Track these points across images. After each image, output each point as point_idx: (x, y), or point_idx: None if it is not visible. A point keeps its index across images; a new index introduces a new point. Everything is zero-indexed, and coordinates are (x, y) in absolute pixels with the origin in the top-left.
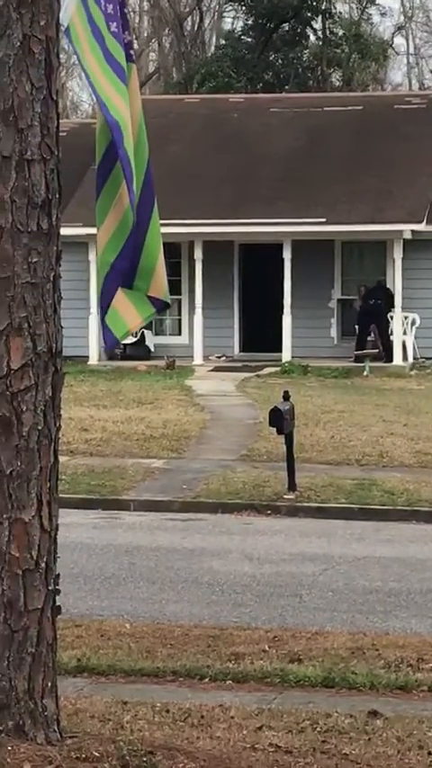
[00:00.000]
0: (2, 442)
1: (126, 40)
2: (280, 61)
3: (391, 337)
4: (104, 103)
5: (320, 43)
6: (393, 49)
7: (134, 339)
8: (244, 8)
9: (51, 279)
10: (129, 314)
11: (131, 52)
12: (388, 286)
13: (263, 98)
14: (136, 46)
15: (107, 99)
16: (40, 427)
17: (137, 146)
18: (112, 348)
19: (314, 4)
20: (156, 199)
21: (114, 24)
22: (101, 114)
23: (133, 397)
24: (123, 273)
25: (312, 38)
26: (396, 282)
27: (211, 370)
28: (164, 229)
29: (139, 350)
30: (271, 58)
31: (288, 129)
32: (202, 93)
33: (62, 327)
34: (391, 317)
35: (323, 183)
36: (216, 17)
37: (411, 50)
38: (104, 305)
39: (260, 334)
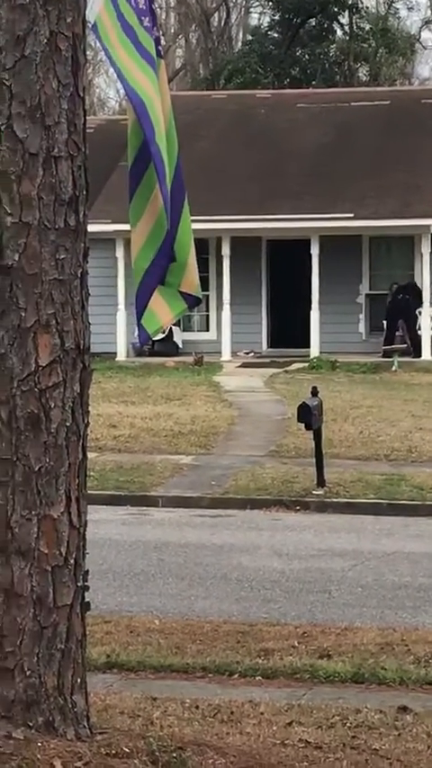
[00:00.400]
0: (30, 438)
1: (154, 36)
2: (307, 57)
3: (419, 332)
4: (138, 94)
5: (347, 38)
6: (421, 43)
7: (162, 335)
8: (270, 4)
9: (79, 275)
10: (161, 310)
11: (160, 48)
12: (416, 281)
13: (290, 94)
14: (163, 42)
15: (143, 93)
16: (68, 424)
17: (168, 141)
18: (144, 344)
19: None
20: (186, 194)
21: (147, 19)
22: (132, 113)
23: (161, 394)
24: (159, 274)
25: (339, 33)
26: (424, 277)
27: (240, 366)
28: (192, 225)
29: (168, 346)
30: (298, 54)
31: (315, 124)
32: (229, 89)
33: (90, 324)
34: (419, 313)
35: (350, 179)
36: (243, 13)
37: None
38: (140, 307)
39: (288, 330)
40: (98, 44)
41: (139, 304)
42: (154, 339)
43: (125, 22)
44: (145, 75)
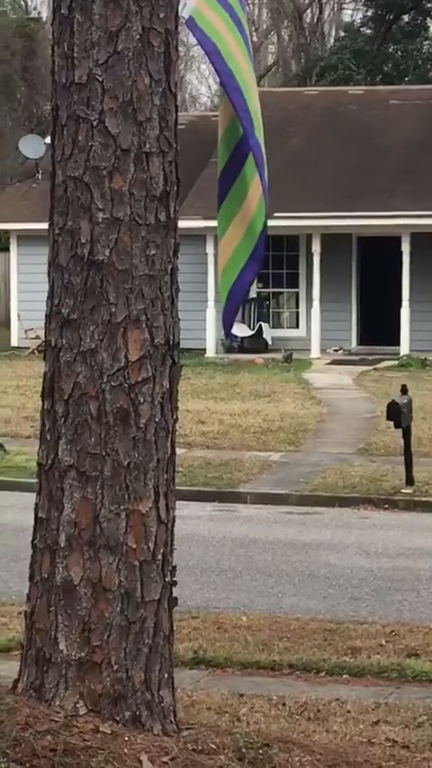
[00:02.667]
0: (119, 433)
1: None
2: (400, 53)
3: None
4: (239, 86)
5: None
6: None
7: (252, 332)
8: (363, 0)
9: (169, 271)
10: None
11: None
12: None
13: (382, 90)
14: (255, 39)
15: (245, 85)
16: (157, 419)
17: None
18: (233, 341)
19: None
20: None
21: (245, 12)
22: (229, 107)
23: (250, 390)
24: (250, 279)
25: None
26: None
27: (329, 364)
28: (282, 222)
29: (257, 342)
30: (390, 50)
31: (408, 121)
32: (321, 86)
33: (179, 320)
34: None
35: None
36: (335, 9)
37: None
38: (229, 317)
39: (378, 328)
40: (191, 39)
41: (228, 314)
42: (243, 336)
43: (232, 11)
44: (249, 68)
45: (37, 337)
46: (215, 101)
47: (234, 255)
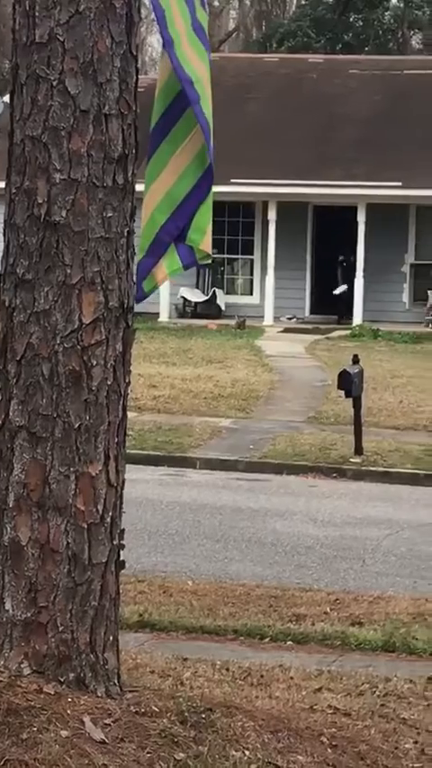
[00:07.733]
0: (71, 395)
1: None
2: (360, 22)
3: None
4: (178, 59)
5: (401, 5)
6: None
7: (205, 297)
8: None
9: (125, 234)
10: (158, 268)
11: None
12: None
13: (342, 59)
14: (216, 3)
15: (186, 62)
16: (109, 382)
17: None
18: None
19: None
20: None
21: None
22: (165, 62)
23: (202, 356)
24: (176, 234)
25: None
26: None
27: (281, 332)
28: (238, 188)
29: (210, 308)
30: (351, 19)
31: (367, 91)
32: (281, 53)
33: (134, 283)
34: None
35: (400, 147)
36: None
37: None
38: (149, 265)
39: (331, 297)
40: (149, 2)
41: (147, 261)
42: (196, 301)
43: None
44: (195, 51)
45: None
46: (161, 61)
47: (157, 211)
